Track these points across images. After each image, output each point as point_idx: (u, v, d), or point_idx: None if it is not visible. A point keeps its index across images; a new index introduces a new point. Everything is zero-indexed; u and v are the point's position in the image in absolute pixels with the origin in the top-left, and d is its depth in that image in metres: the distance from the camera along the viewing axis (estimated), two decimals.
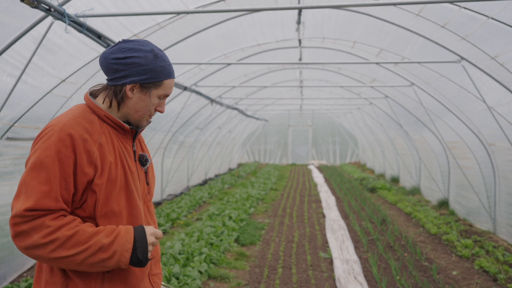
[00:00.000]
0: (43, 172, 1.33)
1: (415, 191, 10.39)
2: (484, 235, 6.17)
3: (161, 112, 1.58)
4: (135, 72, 1.46)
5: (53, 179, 1.33)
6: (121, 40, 1.51)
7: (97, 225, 1.43)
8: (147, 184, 1.61)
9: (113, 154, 1.46)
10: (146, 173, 1.61)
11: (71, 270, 1.40)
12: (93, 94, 1.54)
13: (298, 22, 5.73)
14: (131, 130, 1.57)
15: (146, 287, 1.53)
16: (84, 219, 1.43)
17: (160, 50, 1.53)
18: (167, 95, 1.56)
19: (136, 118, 1.54)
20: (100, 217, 1.43)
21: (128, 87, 1.47)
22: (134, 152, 1.58)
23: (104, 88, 1.52)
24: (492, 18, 4.15)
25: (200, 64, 5.88)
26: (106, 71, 1.50)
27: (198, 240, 5.63)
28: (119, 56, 1.46)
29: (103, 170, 1.41)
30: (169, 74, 1.53)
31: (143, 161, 1.60)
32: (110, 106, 1.51)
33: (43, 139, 1.37)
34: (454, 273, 4.82)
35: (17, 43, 3.28)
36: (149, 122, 1.63)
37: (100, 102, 1.51)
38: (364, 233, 6.51)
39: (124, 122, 1.56)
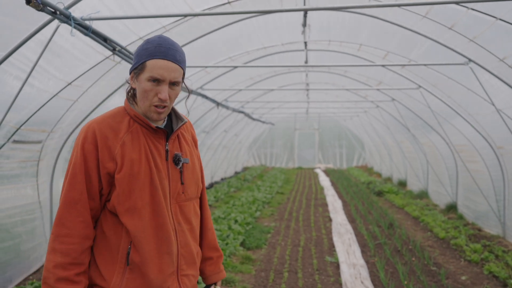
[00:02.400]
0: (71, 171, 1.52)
1: (423, 195, 10.29)
2: (493, 240, 6.08)
3: (161, 99, 1.49)
4: (133, 62, 1.57)
5: (79, 174, 1.50)
6: None
7: (120, 222, 1.51)
8: (182, 183, 1.61)
9: (137, 152, 1.52)
10: (181, 172, 1.61)
11: (94, 258, 1.52)
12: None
13: (304, 25, 5.70)
14: (161, 129, 1.57)
15: (170, 286, 1.54)
16: (111, 213, 1.53)
17: (159, 37, 1.52)
18: (156, 78, 1.48)
19: (143, 110, 1.55)
20: (124, 213, 1.49)
21: (130, 78, 1.58)
22: (167, 151, 1.59)
23: None
24: (500, 20, 4.10)
25: (206, 67, 5.87)
26: None
27: None
28: None
29: (123, 165, 1.50)
30: (152, 54, 1.48)
31: (176, 160, 1.60)
32: (131, 103, 1.59)
33: (77, 138, 1.55)
34: (463, 278, 4.75)
35: (23, 46, 3.29)
36: (184, 122, 1.62)
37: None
38: (371, 237, 6.45)
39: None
